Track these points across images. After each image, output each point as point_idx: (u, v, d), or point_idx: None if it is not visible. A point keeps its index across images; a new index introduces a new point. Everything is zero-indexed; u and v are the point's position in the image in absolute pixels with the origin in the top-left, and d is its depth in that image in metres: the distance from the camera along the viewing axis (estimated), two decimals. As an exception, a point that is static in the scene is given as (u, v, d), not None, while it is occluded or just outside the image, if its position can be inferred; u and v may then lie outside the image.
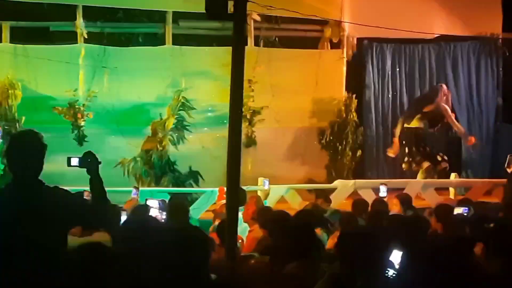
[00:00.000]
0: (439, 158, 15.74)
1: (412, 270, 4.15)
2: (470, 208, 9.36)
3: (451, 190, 14.90)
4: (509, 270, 5.63)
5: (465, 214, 8.75)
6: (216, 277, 5.07)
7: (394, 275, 4.53)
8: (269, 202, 12.71)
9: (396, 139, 15.80)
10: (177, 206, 8.88)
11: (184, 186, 14.35)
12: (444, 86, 16.29)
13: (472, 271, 4.18)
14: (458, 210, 8.95)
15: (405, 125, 15.86)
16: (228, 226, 5.06)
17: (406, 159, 15.78)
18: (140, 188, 12.56)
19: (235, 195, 4.93)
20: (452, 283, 4.06)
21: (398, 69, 17.32)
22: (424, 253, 4.10)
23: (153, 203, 8.37)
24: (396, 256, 4.96)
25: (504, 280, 5.45)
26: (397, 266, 4.71)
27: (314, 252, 5.99)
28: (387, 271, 4.48)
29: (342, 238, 5.22)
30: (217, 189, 11.63)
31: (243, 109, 14.57)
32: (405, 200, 10.30)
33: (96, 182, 4.93)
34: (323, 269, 5.59)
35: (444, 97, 15.91)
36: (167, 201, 10.05)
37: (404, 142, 15.70)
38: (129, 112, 15.40)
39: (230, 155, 4.74)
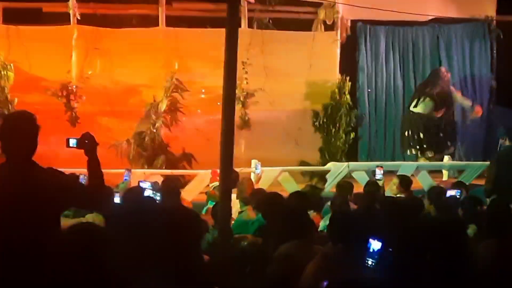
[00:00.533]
0: (448, 143, 15.80)
1: (404, 251, 4.18)
2: (463, 190, 9.42)
3: (444, 172, 14.94)
4: (501, 251, 5.67)
5: (458, 197, 8.80)
6: (208, 259, 5.10)
7: (384, 256, 4.54)
8: (262, 184, 12.75)
9: None
10: (170, 188, 8.90)
11: (178, 168, 14.34)
12: (443, 69, 16.32)
13: (464, 252, 4.21)
14: (451, 193, 8.99)
15: (411, 110, 15.92)
16: (221, 208, 5.06)
17: (411, 144, 15.78)
18: (133, 170, 12.60)
19: (228, 177, 4.93)
20: (444, 264, 4.09)
21: (392, 52, 17.31)
22: (416, 235, 4.13)
23: (146, 185, 8.37)
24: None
25: (496, 261, 5.49)
26: (388, 248, 4.72)
27: (306, 234, 6.01)
28: (377, 253, 4.50)
29: (333, 219, 5.25)
30: (209, 171, 11.62)
31: (236, 91, 14.84)
32: (405, 181, 10.32)
33: (94, 164, 4.93)
34: (316, 250, 5.62)
35: (445, 79, 15.95)
36: (160, 183, 10.08)
37: (409, 126, 15.72)
38: (122, 94, 15.36)
39: (223, 137, 4.74)
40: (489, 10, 17.43)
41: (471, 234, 6.70)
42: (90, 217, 6.99)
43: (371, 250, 4.54)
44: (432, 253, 4.23)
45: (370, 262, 4.49)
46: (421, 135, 15.72)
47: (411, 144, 15.84)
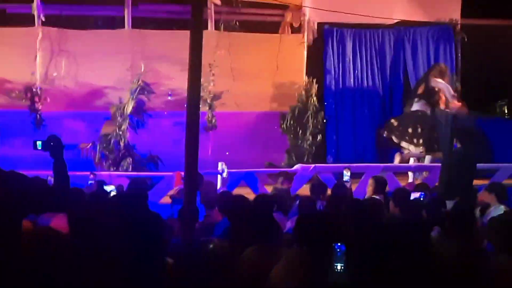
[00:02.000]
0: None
1: (369, 253, 4.18)
2: (426, 193, 9.48)
3: (410, 174, 15.03)
4: (464, 252, 5.71)
5: (421, 199, 8.85)
6: (173, 262, 5.07)
7: (350, 258, 4.54)
8: (229, 187, 12.74)
9: None
10: (136, 191, 8.86)
11: (144, 171, 14.27)
12: (442, 65, 16.28)
13: (427, 253, 4.23)
14: (414, 195, 9.05)
15: (406, 110, 15.99)
16: (186, 211, 5.04)
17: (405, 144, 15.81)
18: (99, 173, 12.54)
19: (193, 180, 4.91)
20: (407, 266, 4.11)
21: (358, 54, 17.39)
22: (379, 236, 4.14)
23: (111, 188, 8.33)
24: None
25: (459, 262, 5.53)
26: (353, 250, 4.72)
27: (272, 236, 6.00)
28: (343, 254, 4.49)
29: (299, 222, 5.23)
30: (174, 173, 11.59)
31: (203, 93, 14.84)
32: (379, 183, 10.33)
33: (60, 166, 4.89)
34: (282, 253, 5.61)
35: (440, 76, 15.91)
36: (125, 185, 10.03)
37: (405, 126, 15.76)
38: (88, 96, 15.27)
39: (188, 139, 4.71)
40: (454, 13, 17.58)
41: (435, 236, 6.74)
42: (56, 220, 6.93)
43: (338, 254, 4.52)
44: (396, 255, 4.25)
45: (339, 267, 4.48)
46: (420, 130, 15.74)
47: (413, 139, 15.81)
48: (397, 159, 15.29)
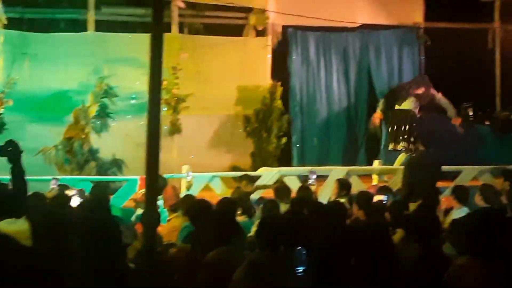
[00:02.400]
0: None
1: (330, 257, 4.18)
2: (390, 196, 9.52)
3: (374, 177, 15.05)
4: (427, 255, 5.73)
5: (384, 202, 8.89)
6: (134, 267, 5.01)
7: (311, 261, 4.54)
8: (194, 190, 12.69)
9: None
10: (99, 195, 8.79)
11: (108, 174, 14.17)
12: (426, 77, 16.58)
13: (389, 257, 4.24)
14: (378, 198, 9.08)
15: (396, 107, 16.07)
16: (147, 215, 4.97)
17: (394, 139, 15.88)
18: (62, 177, 12.41)
19: (154, 184, 4.84)
20: (367, 269, 4.11)
21: (322, 57, 17.43)
22: (341, 240, 4.14)
23: (73, 193, 8.25)
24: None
25: (421, 265, 5.55)
26: (315, 254, 4.72)
27: (235, 240, 5.99)
28: (304, 257, 4.49)
29: (261, 225, 5.23)
30: (139, 177, 11.51)
31: (167, 97, 14.77)
32: (344, 185, 10.36)
33: (18, 171, 4.83)
34: (245, 256, 5.60)
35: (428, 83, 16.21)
36: (87, 190, 9.95)
37: (395, 123, 15.84)
38: (51, 99, 15.09)
39: (148, 143, 4.65)
40: (417, 17, 17.73)
41: (398, 238, 6.76)
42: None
43: (300, 258, 4.51)
44: (356, 258, 4.25)
45: (300, 271, 4.47)
46: (407, 129, 15.85)
47: (399, 138, 15.91)
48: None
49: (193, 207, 7.53)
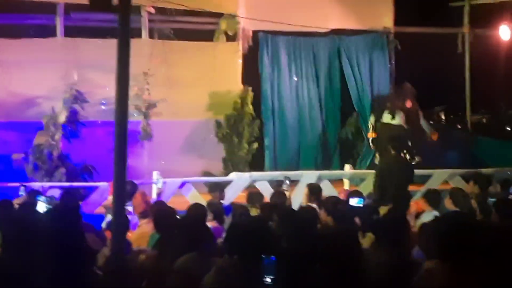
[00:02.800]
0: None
1: (297, 263, 4.17)
2: (365, 199, 9.55)
3: (345, 181, 15.11)
4: (396, 259, 5.75)
5: (360, 205, 8.91)
6: (102, 274, 4.99)
7: (279, 267, 4.52)
8: (165, 196, 12.66)
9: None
10: (69, 202, 8.73)
11: (78, 181, 14.08)
12: (408, 84, 16.60)
13: (356, 261, 4.24)
14: (353, 201, 9.10)
15: (386, 121, 16.16)
16: (115, 221, 4.96)
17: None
18: (32, 183, 12.32)
19: (122, 189, 4.83)
20: (333, 274, 4.10)
21: (294, 62, 17.44)
22: (310, 246, 4.13)
23: (42, 199, 8.19)
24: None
25: (390, 269, 5.56)
26: (283, 261, 4.70)
27: (205, 245, 5.97)
28: (273, 266, 4.47)
29: (230, 230, 5.21)
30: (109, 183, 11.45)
31: (138, 102, 14.71)
32: (314, 190, 10.35)
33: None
34: (214, 262, 5.57)
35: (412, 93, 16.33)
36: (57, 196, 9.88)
37: (383, 136, 15.90)
38: (20, 106, 15.00)
39: (116, 149, 4.65)
40: (387, 21, 17.82)
41: (368, 242, 6.78)
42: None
43: (268, 266, 4.48)
44: (322, 264, 4.24)
45: (268, 280, 4.44)
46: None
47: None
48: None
49: (157, 214, 7.51)
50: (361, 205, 9.17)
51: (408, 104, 16.25)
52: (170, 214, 7.23)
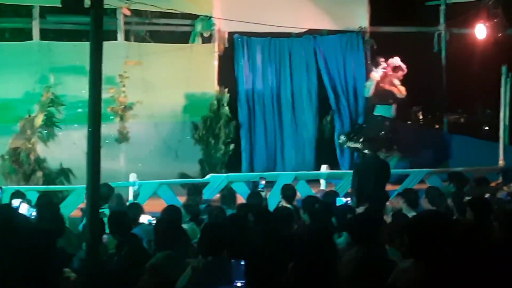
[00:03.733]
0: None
1: (271, 261, 4.18)
2: (353, 198, 9.58)
3: (322, 182, 15.13)
4: (371, 258, 5.79)
5: (349, 204, 8.93)
6: (76, 276, 4.98)
7: (251, 268, 4.53)
8: (142, 198, 12.63)
9: None
10: (46, 205, 8.70)
11: (55, 184, 14.03)
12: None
13: (327, 260, 4.26)
14: (346, 199, 9.14)
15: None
16: (90, 223, 4.97)
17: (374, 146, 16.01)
18: (8, 187, 12.25)
19: (96, 192, 4.84)
20: (305, 273, 4.12)
21: (269, 62, 17.45)
22: (282, 245, 4.15)
23: (17, 203, 8.16)
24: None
25: (366, 268, 5.60)
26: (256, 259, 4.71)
27: (179, 246, 5.98)
28: (247, 263, 4.48)
29: (204, 231, 5.22)
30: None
31: (114, 105, 14.69)
32: (288, 191, 10.38)
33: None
34: (188, 263, 5.59)
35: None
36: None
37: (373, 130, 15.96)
38: (-4, 109, 14.95)
39: (89, 152, 4.65)
40: (362, 21, 17.85)
41: (343, 242, 6.82)
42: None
43: (239, 270, 4.46)
44: (295, 263, 4.26)
45: (239, 284, 4.43)
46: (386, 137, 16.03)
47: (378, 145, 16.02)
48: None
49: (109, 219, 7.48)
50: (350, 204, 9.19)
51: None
52: (123, 217, 7.23)
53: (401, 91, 16.26)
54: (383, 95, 16.36)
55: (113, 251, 6.92)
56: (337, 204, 9.09)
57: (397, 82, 16.35)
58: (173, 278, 5.20)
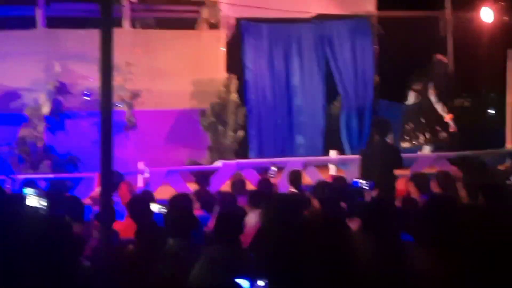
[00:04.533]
0: (438, 128, 16.01)
1: (288, 248, 4.14)
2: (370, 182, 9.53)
3: (331, 167, 15.09)
4: (383, 244, 5.72)
5: (367, 188, 8.88)
6: (89, 265, 4.96)
7: (270, 255, 4.49)
8: (152, 186, 12.62)
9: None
10: (55, 193, 8.68)
11: (63, 172, 14.02)
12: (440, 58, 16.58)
13: (345, 248, 4.21)
14: (361, 183, 9.07)
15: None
16: (102, 211, 4.90)
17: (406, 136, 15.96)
18: (17, 176, 12.24)
19: (108, 180, 4.78)
20: (326, 260, 4.07)
21: (277, 48, 17.38)
22: (298, 231, 4.10)
23: (29, 191, 8.12)
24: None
25: (379, 254, 5.53)
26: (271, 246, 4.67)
27: (191, 233, 5.95)
28: (263, 251, 4.45)
29: (219, 219, 5.18)
30: (95, 174, 11.41)
31: (122, 93, 14.65)
32: (294, 176, 10.35)
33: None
34: (201, 250, 5.55)
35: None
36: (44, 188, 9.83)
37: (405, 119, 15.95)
38: (2, 98, 14.90)
39: (102, 139, 4.59)
40: (369, 6, 17.78)
41: (354, 227, 6.74)
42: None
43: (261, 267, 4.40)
44: (314, 249, 4.20)
45: (262, 284, 4.37)
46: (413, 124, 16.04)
47: (414, 134, 16.00)
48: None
49: (130, 205, 7.47)
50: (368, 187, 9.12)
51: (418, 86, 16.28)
52: (144, 203, 7.22)
53: None
54: None
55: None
56: (353, 186, 9.05)
57: None
58: (188, 265, 5.17)
